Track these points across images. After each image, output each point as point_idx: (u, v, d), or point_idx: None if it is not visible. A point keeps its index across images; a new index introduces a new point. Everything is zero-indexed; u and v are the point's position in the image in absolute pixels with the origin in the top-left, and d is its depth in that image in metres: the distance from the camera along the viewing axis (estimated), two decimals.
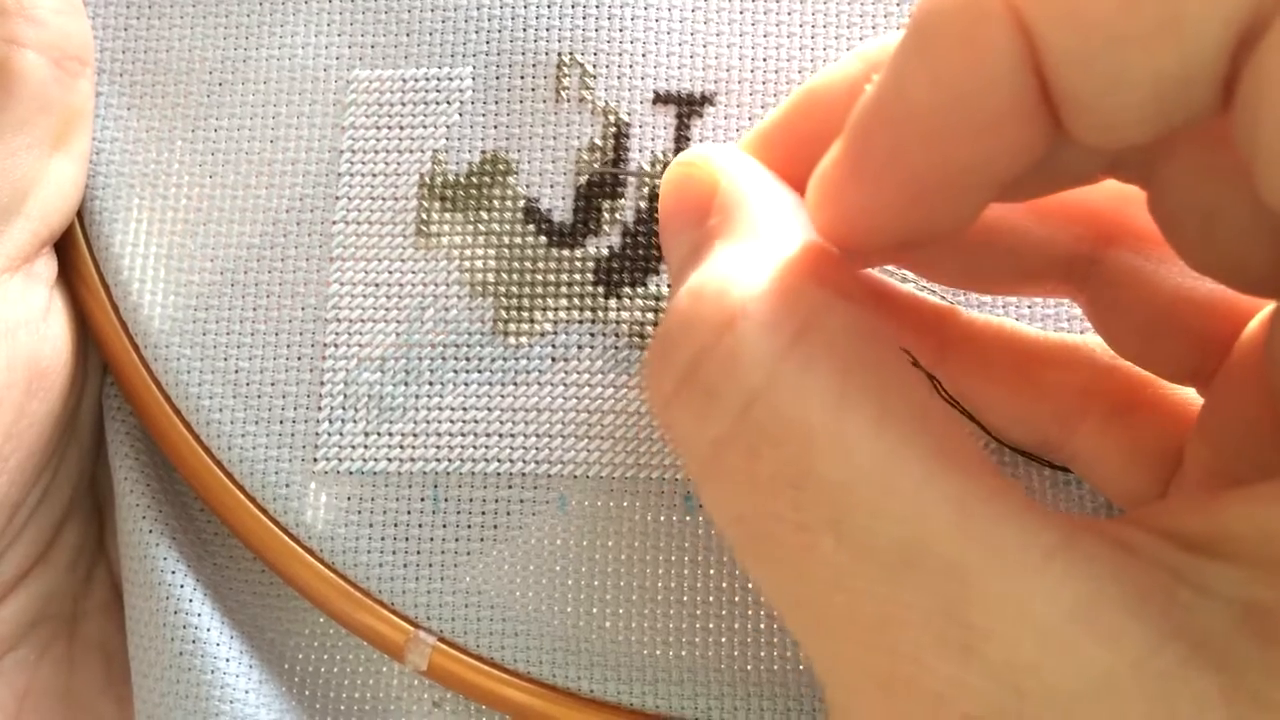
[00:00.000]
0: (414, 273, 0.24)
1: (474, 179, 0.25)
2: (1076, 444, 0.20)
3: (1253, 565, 0.12)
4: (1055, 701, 0.12)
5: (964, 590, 0.12)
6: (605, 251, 0.24)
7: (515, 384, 0.24)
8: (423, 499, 0.24)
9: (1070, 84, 0.13)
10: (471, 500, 0.24)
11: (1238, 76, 0.12)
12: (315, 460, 0.24)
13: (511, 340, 0.24)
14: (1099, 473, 0.20)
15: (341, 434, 0.24)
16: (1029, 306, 0.23)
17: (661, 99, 0.24)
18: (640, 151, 0.24)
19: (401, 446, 0.24)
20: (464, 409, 0.24)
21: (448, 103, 0.25)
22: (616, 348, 0.24)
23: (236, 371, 0.24)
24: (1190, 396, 0.19)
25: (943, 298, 0.23)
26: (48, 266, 0.25)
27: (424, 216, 0.25)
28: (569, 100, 0.24)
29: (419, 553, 0.24)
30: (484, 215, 0.24)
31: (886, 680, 0.12)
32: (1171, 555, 0.12)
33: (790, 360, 0.13)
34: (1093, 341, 0.20)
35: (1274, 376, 0.15)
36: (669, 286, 0.24)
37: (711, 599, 0.23)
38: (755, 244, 0.15)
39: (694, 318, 0.14)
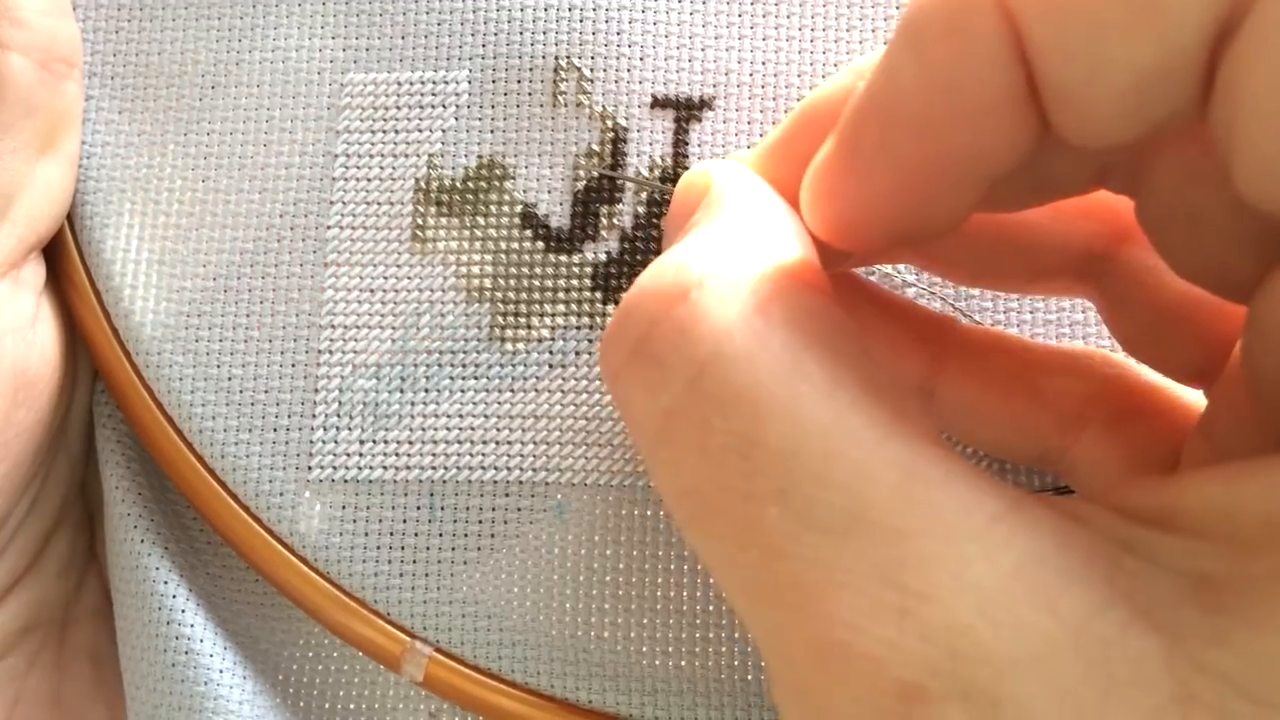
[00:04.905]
0: (410, 278, 0.24)
1: (470, 184, 0.24)
2: (1077, 453, 0.20)
3: (1203, 539, 0.12)
4: (990, 664, 0.11)
5: (903, 554, 0.12)
6: (603, 257, 0.24)
7: (512, 391, 0.24)
8: (419, 507, 0.23)
9: (1054, 75, 0.13)
10: (468, 509, 0.23)
11: (1215, 71, 0.12)
12: (310, 468, 0.24)
13: (509, 346, 0.24)
14: (1098, 482, 0.20)
15: (336, 442, 0.24)
16: (1030, 312, 0.23)
17: (660, 103, 0.24)
18: (638, 156, 0.24)
19: (397, 454, 0.24)
20: (460, 416, 0.24)
21: (443, 106, 0.24)
22: None
23: (229, 379, 0.24)
24: (1190, 404, 0.19)
25: (945, 303, 0.23)
26: (35, 273, 0.24)
27: (420, 222, 0.24)
28: (566, 105, 0.24)
29: (415, 562, 0.23)
30: (480, 220, 0.24)
31: (823, 647, 0.12)
32: (1121, 527, 0.12)
33: (745, 331, 0.13)
34: (1093, 350, 0.20)
35: (1250, 377, 0.15)
36: None
37: (711, 608, 0.23)
38: (725, 229, 0.15)
39: (650, 291, 0.14)
